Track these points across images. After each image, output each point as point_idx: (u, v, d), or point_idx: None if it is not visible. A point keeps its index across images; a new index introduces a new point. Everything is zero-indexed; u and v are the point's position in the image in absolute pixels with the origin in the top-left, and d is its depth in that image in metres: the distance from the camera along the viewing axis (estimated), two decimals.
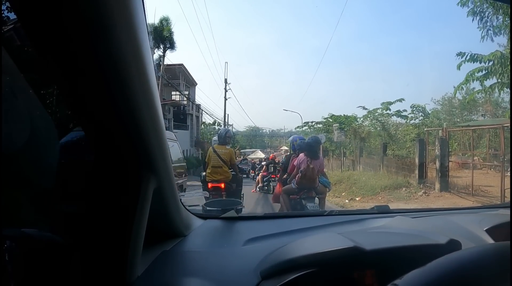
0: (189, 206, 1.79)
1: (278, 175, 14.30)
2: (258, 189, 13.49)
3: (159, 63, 28.48)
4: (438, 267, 0.64)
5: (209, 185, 6.78)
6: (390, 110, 23.59)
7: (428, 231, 1.35)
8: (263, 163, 16.93)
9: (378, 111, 23.80)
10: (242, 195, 7.61)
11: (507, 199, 8.92)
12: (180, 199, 1.44)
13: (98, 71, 0.67)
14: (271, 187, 12.55)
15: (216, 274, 1.19)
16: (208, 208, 2.04)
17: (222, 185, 6.71)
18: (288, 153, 7.34)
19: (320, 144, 6.70)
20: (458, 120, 25.68)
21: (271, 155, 19.24)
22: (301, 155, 6.25)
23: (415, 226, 1.59)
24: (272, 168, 13.87)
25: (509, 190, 8.97)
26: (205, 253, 1.40)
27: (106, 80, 0.69)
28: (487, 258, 0.66)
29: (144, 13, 0.74)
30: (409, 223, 1.65)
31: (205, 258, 1.33)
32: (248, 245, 1.46)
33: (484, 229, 1.40)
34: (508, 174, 10.16)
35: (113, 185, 0.89)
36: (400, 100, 23.43)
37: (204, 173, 7.23)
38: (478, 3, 10.65)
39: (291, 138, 7.43)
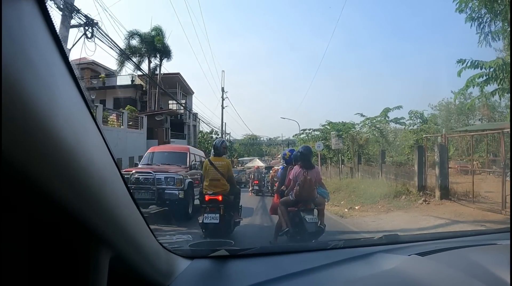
0: (174, 241, 1.63)
1: (257, 181, 19.34)
2: (252, 193, 19.60)
3: (154, 72, 28.50)
4: None
5: (206, 197, 6.63)
6: (388, 117, 23.68)
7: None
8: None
9: (376, 118, 23.85)
10: (240, 207, 7.48)
11: (508, 205, 8.82)
12: (160, 243, 1.28)
13: None
14: (256, 188, 19.57)
15: None
16: (193, 249, 1.81)
17: (220, 198, 6.55)
18: (285, 165, 7.23)
19: (311, 152, 6.59)
20: (456, 125, 25.70)
21: (255, 166, 26.51)
22: (296, 167, 6.14)
23: (431, 271, 1.44)
24: (255, 175, 20.26)
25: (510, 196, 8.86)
26: None
27: None
28: None
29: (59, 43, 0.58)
30: (423, 265, 1.49)
31: None
32: None
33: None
34: (508, 178, 10.07)
35: (55, 267, 0.74)
36: (398, 107, 23.61)
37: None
38: (476, 9, 10.63)
39: (281, 154, 7.38)
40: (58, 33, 0.58)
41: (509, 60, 9.85)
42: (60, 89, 0.57)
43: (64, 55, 0.60)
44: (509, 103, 15.61)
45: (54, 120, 0.52)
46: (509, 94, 10.77)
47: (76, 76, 0.64)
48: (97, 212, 0.71)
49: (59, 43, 0.58)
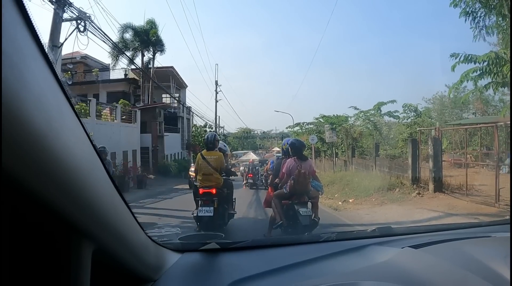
0: (164, 234, 1.59)
1: (251, 174, 19.18)
2: (246, 186, 19.54)
3: (147, 66, 28.27)
4: None
5: (200, 191, 6.61)
6: (381, 111, 23.74)
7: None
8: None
9: (370, 111, 23.91)
10: (234, 199, 7.47)
11: (502, 198, 8.86)
12: (149, 236, 1.23)
13: None
14: (250, 181, 19.45)
15: None
16: (183, 242, 1.76)
17: (214, 191, 6.54)
18: (281, 157, 7.18)
19: (303, 145, 6.56)
20: (450, 118, 25.81)
21: (250, 159, 25.69)
22: (290, 160, 6.11)
23: (425, 263, 1.41)
24: (249, 169, 19.98)
25: (504, 189, 8.90)
26: None
27: None
28: None
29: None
30: (417, 258, 1.47)
31: None
32: None
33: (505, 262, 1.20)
34: (502, 172, 10.11)
35: (35, 259, 0.71)
36: (392, 101, 23.68)
37: (191, 173, 7.02)
38: (470, 3, 10.63)
39: (283, 142, 7.32)
40: (27, 10, 0.51)
41: (503, 54, 9.86)
42: (32, 73, 0.51)
43: (35, 35, 0.54)
44: (505, 97, 15.70)
45: (23, 104, 0.47)
46: (502, 88, 10.80)
47: (51, 60, 0.58)
48: (75, 203, 0.65)
49: (28, 20, 0.52)
